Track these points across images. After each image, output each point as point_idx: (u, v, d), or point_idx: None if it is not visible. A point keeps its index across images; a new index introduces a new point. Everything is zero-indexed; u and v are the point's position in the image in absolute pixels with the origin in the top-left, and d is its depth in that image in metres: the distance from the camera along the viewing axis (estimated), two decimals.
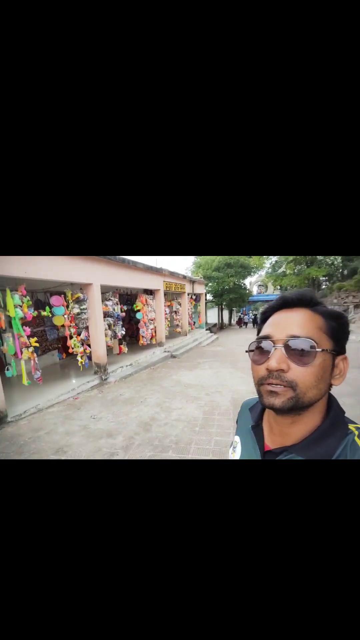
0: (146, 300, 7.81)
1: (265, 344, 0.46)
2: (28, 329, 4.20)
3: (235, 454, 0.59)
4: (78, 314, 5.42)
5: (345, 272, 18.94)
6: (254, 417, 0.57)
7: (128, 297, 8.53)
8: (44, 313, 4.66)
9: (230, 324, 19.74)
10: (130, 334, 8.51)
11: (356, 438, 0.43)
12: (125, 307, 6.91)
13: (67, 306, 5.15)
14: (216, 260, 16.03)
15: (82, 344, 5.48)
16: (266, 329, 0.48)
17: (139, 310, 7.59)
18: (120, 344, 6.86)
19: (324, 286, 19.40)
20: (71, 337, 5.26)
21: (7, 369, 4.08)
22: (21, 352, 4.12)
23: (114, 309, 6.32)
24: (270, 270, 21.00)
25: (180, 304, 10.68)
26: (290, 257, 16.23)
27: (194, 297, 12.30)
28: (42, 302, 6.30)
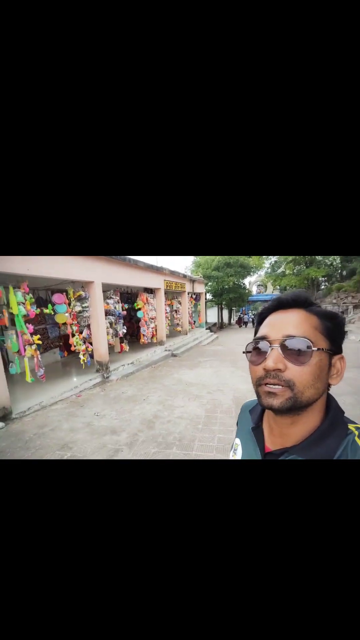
0: (147, 298, 7.83)
1: (262, 345, 0.47)
2: (31, 327, 4.22)
3: (236, 456, 0.59)
4: (80, 311, 5.43)
5: (345, 272, 19.05)
6: (254, 419, 0.57)
7: (129, 296, 8.55)
8: (46, 310, 4.68)
9: (230, 323, 19.81)
10: (131, 333, 8.53)
11: (356, 438, 0.43)
12: (126, 306, 6.93)
13: (69, 304, 5.16)
14: (216, 259, 16.07)
15: (84, 342, 5.50)
16: (262, 330, 0.49)
17: (139, 309, 7.61)
18: (121, 342, 6.88)
19: (323, 287, 19.51)
20: (73, 335, 5.27)
21: (11, 367, 4.10)
22: (24, 350, 4.14)
23: (115, 308, 6.34)
24: (269, 270, 21.07)
25: (180, 303, 10.71)
26: (290, 257, 16.30)
27: (194, 296, 12.33)
28: (43, 299, 6.30)
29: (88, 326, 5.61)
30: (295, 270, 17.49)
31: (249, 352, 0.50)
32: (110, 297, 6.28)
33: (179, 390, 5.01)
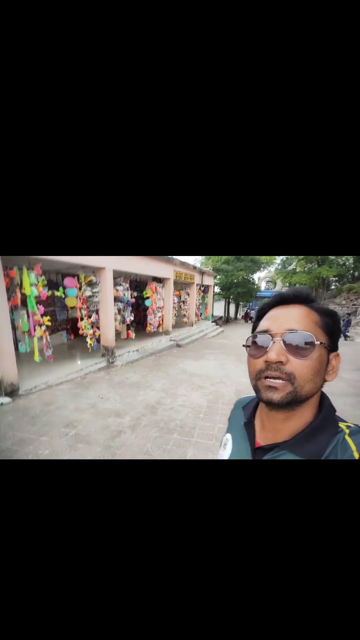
0: (156, 288, 7.85)
1: (263, 338, 0.47)
2: (42, 308, 4.30)
3: (226, 451, 0.59)
4: (90, 296, 5.50)
5: (357, 273, 18.66)
6: (246, 414, 0.57)
7: (137, 284, 8.58)
8: (57, 293, 4.75)
9: (236, 318, 19.74)
10: (138, 321, 8.60)
11: (346, 437, 0.44)
12: (135, 294, 6.97)
13: (80, 288, 5.22)
14: None
15: (92, 327, 5.58)
16: (264, 324, 0.49)
17: (148, 298, 7.64)
18: (128, 329, 6.95)
19: (333, 286, 19.19)
20: (82, 319, 5.35)
21: (21, 345, 4.20)
22: (34, 330, 4.23)
23: (124, 295, 6.38)
24: (280, 266, 20.78)
25: (188, 294, 10.70)
26: (301, 255, 16.05)
27: (202, 288, 12.29)
28: (54, 282, 6.38)
29: (97, 311, 5.67)
30: (306, 269, 17.22)
31: (249, 346, 0.50)
32: (120, 284, 6.32)
33: (183, 380, 5.07)
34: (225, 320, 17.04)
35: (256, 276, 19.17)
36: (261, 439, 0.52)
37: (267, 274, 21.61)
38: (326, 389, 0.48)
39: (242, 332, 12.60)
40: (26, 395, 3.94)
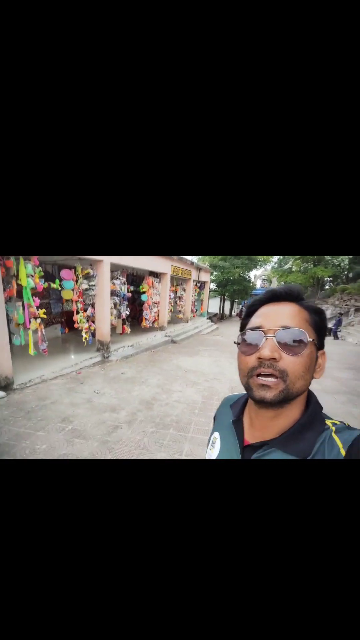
0: (152, 282, 7.81)
1: (255, 335, 0.47)
2: (37, 300, 4.23)
3: (215, 450, 0.59)
4: (86, 289, 5.43)
5: (351, 274, 18.91)
6: (235, 412, 0.57)
7: (134, 278, 8.51)
8: (53, 285, 4.68)
9: (230, 315, 19.83)
10: (133, 315, 8.56)
11: (333, 434, 0.44)
12: (131, 288, 6.92)
13: (76, 281, 5.16)
14: None
15: (88, 320, 5.54)
16: (256, 321, 0.49)
17: (144, 292, 7.61)
18: (123, 324, 6.92)
19: (327, 287, 19.42)
20: (77, 313, 5.30)
21: (15, 338, 4.14)
22: (29, 322, 4.17)
23: (120, 289, 6.33)
24: (276, 265, 20.89)
25: (184, 290, 10.68)
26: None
27: (198, 284, 12.29)
28: (50, 274, 6.28)
29: (92, 305, 5.62)
30: (302, 268, 17.35)
31: (240, 342, 0.50)
32: (117, 278, 6.27)
33: (178, 376, 5.09)
34: (220, 317, 17.11)
35: (252, 274, 19.25)
36: (249, 437, 0.52)
37: (263, 272, 21.71)
38: (319, 386, 0.49)
39: (236, 329, 12.68)
40: (21, 389, 3.90)
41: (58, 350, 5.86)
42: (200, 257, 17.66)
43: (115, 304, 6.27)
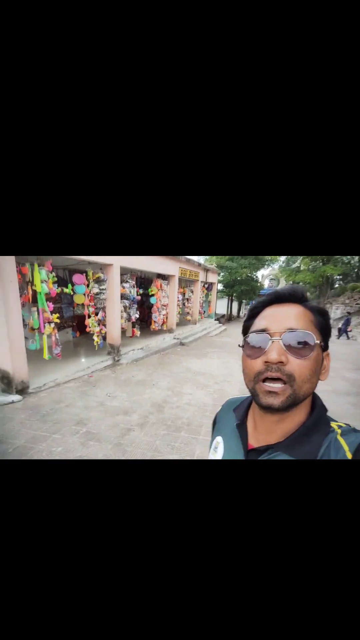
0: (161, 285, 7.89)
1: (261, 337, 0.46)
2: (51, 305, 4.36)
3: (217, 454, 0.57)
4: (97, 293, 5.55)
5: None
6: (238, 415, 0.56)
7: (142, 281, 8.62)
8: (66, 290, 4.80)
9: (238, 315, 19.76)
10: (142, 318, 8.66)
11: (338, 436, 0.43)
12: (140, 291, 7.02)
13: (88, 285, 5.27)
14: None
15: (99, 324, 5.65)
16: (261, 323, 0.48)
17: (153, 295, 7.69)
18: (133, 327, 7.02)
19: (336, 285, 19.13)
20: (89, 317, 5.41)
21: (31, 342, 4.27)
22: (44, 327, 4.30)
23: (130, 292, 6.43)
24: (283, 264, 20.71)
25: (192, 292, 10.73)
26: None
27: (206, 285, 12.31)
28: (62, 279, 6.43)
29: (103, 308, 5.73)
30: (310, 267, 17.15)
31: (245, 345, 0.49)
32: (127, 281, 6.36)
33: (187, 378, 5.14)
34: (228, 319, 17.08)
35: (259, 274, 19.15)
36: (254, 441, 0.51)
37: (271, 271, 21.56)
38: (329, 387, 0.50)
39: None
40: (36, 393, 4.03)
41: (70, 354, 5.99)
42: (207, 257, 17.67)
43: (125, 307, 6.37)
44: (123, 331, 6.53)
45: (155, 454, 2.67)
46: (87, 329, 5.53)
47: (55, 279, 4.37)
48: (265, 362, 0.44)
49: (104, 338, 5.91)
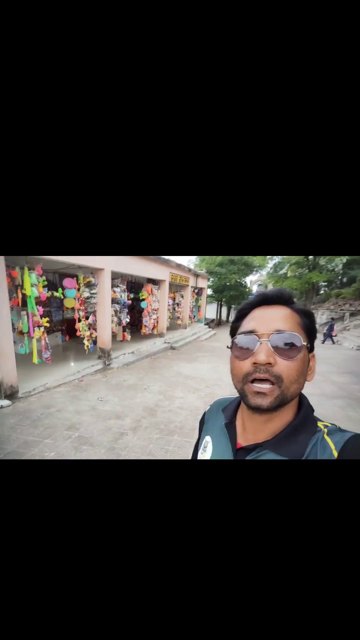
0: (152, 290, 7.92)
1: (249, 339, 0.46)
2: (41, 309, 4.31)
3: (207, 453, 0.58)
4: (88, 298, 5.52)
5: (345, 279, 19.25)
6: (227, 415, 0.57)
7: (132, 285, 8.62)
8: (56, 294, 4.76)
9: (227, 320, 19.99)
10: (132, 322, 8.64)
11: (325, 436, 0.44)
12: (131, 295, 7.02)
13: (78, 289, 5.24)
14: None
15: (89, 328, 5.61)
16: (249, 324, 0.48)
17: (144, 299, 7.70)
18: (124, 331, 7.00)
19: (322, 291, 19.73)
20: (79, 321, 5.37)
21: (20, 346, 4.19)
22: (33, 331, 4.24)
23: (121, 296, 6.43)
24: (271, 270, 21.19)
25: (182, 297, 10.81)
26: (294, 260, 16.43)
27: (196, 290, 12.43)
28: (52, 282, 6.36)
29: (94, 312, 5.70)
30: (297, 273, 17.63)
31: (233, 347, 0.49)
32: (118, 286, 6.36)
33: (178, 382, 5.16)
34: (217, 323, 17.25)
35: (248, 279, 19.51)
36: (242, 440, 0.52)
37: (259, 277, 22.00)
38: (318, 391, 0.53)
39: None
40: (25, 397, 3.94)
41: (60, 358, 5.90)
42: (197, 263, 17.87)
43: (115, 311, 6.35)
44: (114, 335, 6.50)
45: (150, 458, 2.67)
46: (78, 333, 5.48)
47: (46, 282, 4.33)
48: (254, 363, 0.45)
49: (95, 342, 5.86)
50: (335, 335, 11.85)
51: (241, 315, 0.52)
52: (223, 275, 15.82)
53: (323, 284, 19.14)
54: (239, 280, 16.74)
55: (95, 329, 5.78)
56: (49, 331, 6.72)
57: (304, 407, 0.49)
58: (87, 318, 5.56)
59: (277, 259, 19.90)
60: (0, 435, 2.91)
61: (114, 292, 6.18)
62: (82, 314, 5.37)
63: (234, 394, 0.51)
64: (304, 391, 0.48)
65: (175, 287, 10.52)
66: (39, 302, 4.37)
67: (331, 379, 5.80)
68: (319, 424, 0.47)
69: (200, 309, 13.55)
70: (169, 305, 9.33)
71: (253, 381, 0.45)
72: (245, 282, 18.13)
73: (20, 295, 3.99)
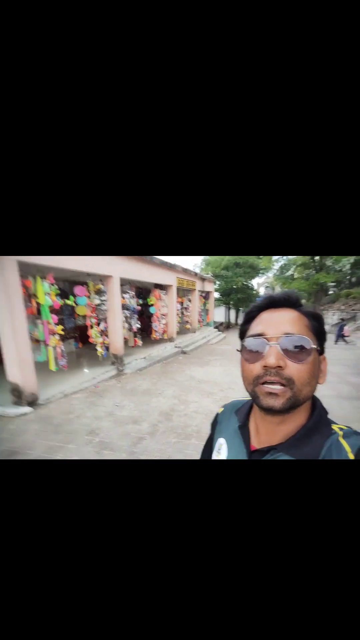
0: (159, 295, 8.02)
1: (258, 342, 0.46)
2: (55, 317, 4.43)
3: (221, 456, 0.58)
4: (98, 305, 5.64)
5: (354, 279, 19.04)
6: (240, 417, 0.57)
7: (140, 291, 8.74)
8: (68, 302, 4.88)
9: (236, 323, 19.95)
10: (142, 328, 8.74)
11: (340, 438, 0.44)
12: (140, 301, 7.13)
13: (89, 297, 5.37)
14: (225, 259, 16.23)
15: (102, 335, 5.72)
16: (257, 327, 0.48)
17: (152, 305, 7.80)
18: (135, 336, 7.09)
19: (331, 292, 19.54)
20: (92, 327, 5.48)
21: (39, 354, 4.32)
22: (49, 339, 4.36)
23: (130, 302, 6.53)
24: (278, 272, 21.12)
25: (190, 301, 10.88)
26: (299, 261, 16.36)
27: (203, 294, 12.49)
28: (62, 291, 6.52)
29: (105, 319, 5.81)
30: (304, 275, 17.53)
31: (242, 350, 0.49)
32: (127, 292, 6.47)
33: (192, 386, 5.19)
34: (226, 326, 17.24)
35: (254, 282, 19.50)
36: (256, 442, 0.52)
37: (266, 279, 21.95)
38: (333, 392, 0.53)
39: None
40: (45, 404, 4.04)
41: (75, 365, 6.01)
42: (203, 267, 17.95)
43: (126, 317, 6.46)
44: (125, 341, 6.60)
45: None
46: (91, 340, 5.59)
47: (58, 291, 4.46)
48: (264, 366, 0.45)
49: (107, 348, 5.96)
50: (349, 336, 11.71)
51: (249, 318, 0.52)
52: (229, 278, 15.87)
53: (332, 284, 18.97)
54: (245, 283, 16.75)
55: (107, 335, 5.89)
56: (62, 339, 6.89)
57: (317, 409, 0.49)
58: (98, 324, 5.67)
59: (282, 261, 19.84)
60: (26, 441, 2.99)
61: (124, 298, 6.29)
62: (93, 320, 5.48)
63: (248, 396, 0.51)
64: (320, 393, 0.48)
65: (183, 292, 10.59)
66: (52, 310, 4.49)
67: (347, 379, 5.74)
68: (334, 426, 0.47)
69: (209, 312, 13.59)
70: (177, 310, 9.41)
71: (264, 383, 0.45)
72: (252, 285, 18.13)
73: (34, 304, 4.11)
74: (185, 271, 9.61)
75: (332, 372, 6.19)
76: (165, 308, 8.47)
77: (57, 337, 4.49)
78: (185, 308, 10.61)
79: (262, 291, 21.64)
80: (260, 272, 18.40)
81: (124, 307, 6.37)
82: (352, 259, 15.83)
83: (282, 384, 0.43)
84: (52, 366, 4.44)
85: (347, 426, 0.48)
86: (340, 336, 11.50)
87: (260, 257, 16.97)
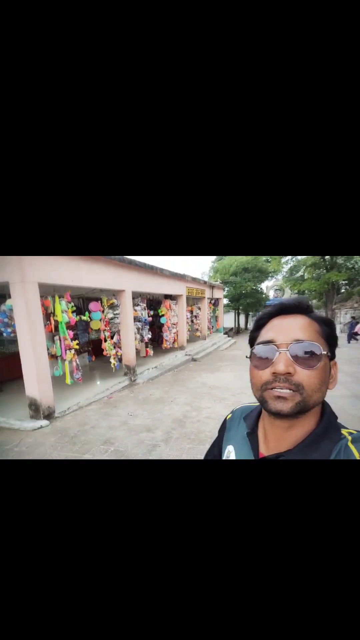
0: (170, 305, 8.17)
1: (268, 348, 0.47)
2: (71, 333, 4.64)
3: None
4: (112, 318, 5.84)
5: None
6: (249, 424, 0.56)
7: (151, 303, 8.93)
8: (84, 318, 5.10)
9: (246, 328, 19.83)
10: (153, 338, 8.89)
11: (349, 443, 0.44)
12: (151, 312, 7.30)
13: (103, 311, 5.58)
14: (233, 265, 16.30)
15: (115, 347, 5.89)
16: (267, 334, 0.48)
17: (163, 315, 7.96)
18: (146, 347, 7.24)
19: (343, 290, 19.14)
20: (105, 340, 5.67)
21: (55, 369, 4.51)
22: (65, 354, 4.56)
23: (142, 314, 6.71)
24: (287, 274, 20.94)
25: (200, 309, 10.99)
26: (309, 262, 16.19)
27: (212, 301, 12.58)
28: (78, 307, 6.78)
29: (118, 332, 6.00)
30: (315, 274, 17.31)
31: (252, 356, 0.50)
32: (138, 304, 6.66)
33: (204, 393, 5.26)
34: (236, 332, 17.17)
35: (264, 285, 19.43)
36: (264, 449, 0.52)
37: (275, 282, 21.80)
38: (348, 392, 0.56)
39: None
40: (61, 417, 4.21)
41: (89, 377, 6.21)
42: (212, 275, 18.07)
43: (138, 329, 6.63)
44: (137, 352, 6.75)
45: None
46: (105, 353, 5.77)
47: (74, 308, 4.68)
48: (273, 373, 0.45)
49: (120, 360, 6.13)
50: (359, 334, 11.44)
51: (259, 325, 0.52)
52: (238, 284, 15.91)
53: (344, 282, 18.60)
54: (254, 287, 16.73)
55: (120, 347, 6.06)
56: (77, 353, 7.12)
57: (326, 414, 0.49)
58: (112, 337, 5.86)
59: (291, 262, 19.69)
60: (44, 454, 3.15)
61: (135, 310, 6.48)
62: (107, 334, 5.67)
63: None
64: (334, 392, 0.52)
65: (192, 300, 10.73)
66: (68, 326, 4.71)
67: None
68: (343, 431, 0.47)
69: (218, 319, 13.62)
70: (187, 318, 9.53)
71: (273, 388, 0.45)
72: (261, 289, 18.08)
73: (52, 322, 4.34)
74: (195, 280, 9.77)
75: (345, 372, 6.11)
76: (176, 317, 8.61)
77: (72, 351, 4.69)
78: (195, 316, 10.73)
79: (271, 294, 21.47)
80: (270, 275, 18.33)
81: (136, 319, 6.55)
82: None
83: (292, 390, 0.43)
84: (68, 380, 4.62)
85: (357, 430, 0.47)
86: (353, 335, 11.25)
87: (269, 260, 16.94)
